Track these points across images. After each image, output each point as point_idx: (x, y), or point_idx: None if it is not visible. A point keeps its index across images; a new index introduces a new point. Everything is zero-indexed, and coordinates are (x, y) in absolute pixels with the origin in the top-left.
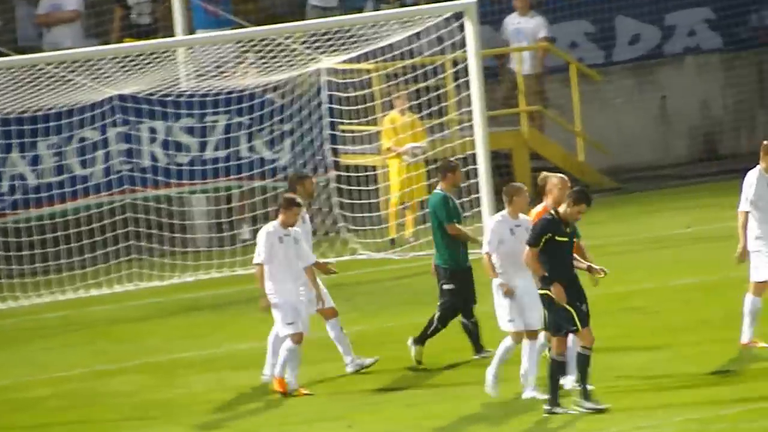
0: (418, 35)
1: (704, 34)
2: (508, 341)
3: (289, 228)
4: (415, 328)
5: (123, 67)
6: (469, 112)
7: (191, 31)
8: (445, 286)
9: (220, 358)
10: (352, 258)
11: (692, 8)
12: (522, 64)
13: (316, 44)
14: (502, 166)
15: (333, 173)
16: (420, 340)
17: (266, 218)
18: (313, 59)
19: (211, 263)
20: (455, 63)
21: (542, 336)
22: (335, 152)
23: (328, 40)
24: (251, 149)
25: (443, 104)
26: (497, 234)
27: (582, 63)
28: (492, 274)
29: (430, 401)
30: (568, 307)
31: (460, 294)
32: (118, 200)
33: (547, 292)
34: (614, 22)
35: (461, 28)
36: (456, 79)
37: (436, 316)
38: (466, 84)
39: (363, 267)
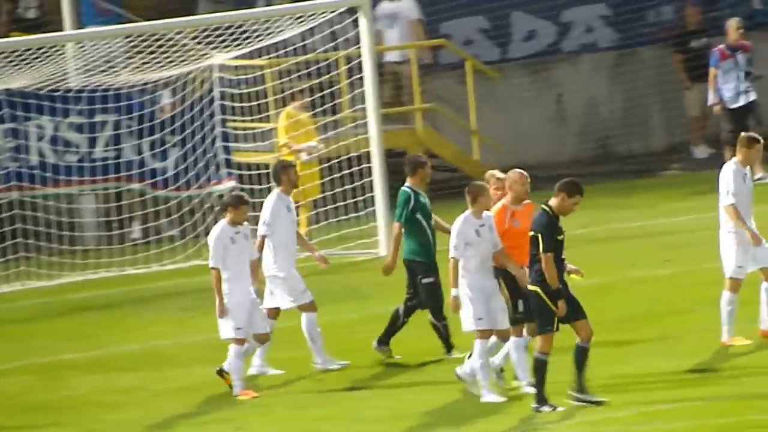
0: (311, 31)
1: (601, 31)
2: (479, 344)
3: (239, 226)
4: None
5: (11, 61)
6: (363, 110)
7: (80, 26)
8: (425, 281)
9: (108, 359)
10: None
11: (589, 5)
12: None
13: (208, 40)
14: (396, 166)
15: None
16: (448, 350)
17: (157, 216)
18: (204, 55)
19: (100, 263)
20: (349, 59)
21: (494, 337)
22: (228, 151)
23: (220, 35)
24: (140, 148)
25: (337, 101)
26: (463, 236)
27: (477, 60)
28: (453, 283)
29: (319, 404)
30: (552, 306)
31: (439, 288)
32: (5, 198)
33: (537, 290)
34: (510, 19)
35: (355, 23)
36: (350, 75)
37: (431, 319)
38: (361, 81)
39: None
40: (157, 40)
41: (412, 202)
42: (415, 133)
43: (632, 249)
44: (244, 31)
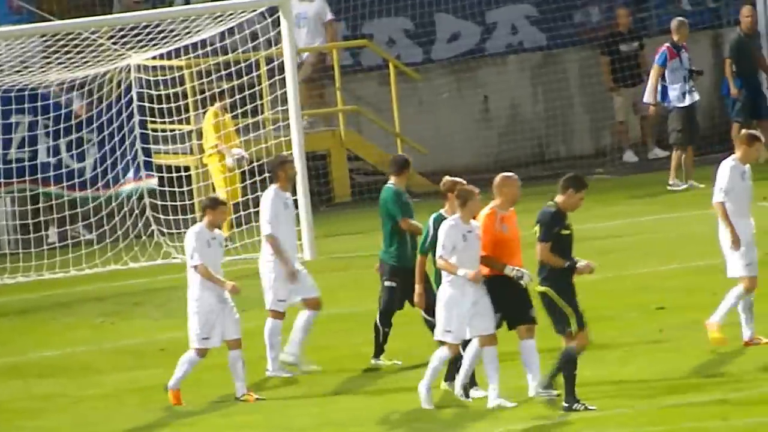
0: (231, 31)
1: (527, 31)
2: (443, 351)
3: (215, 230)
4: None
5: None
6: (285, 111)
7: None
8: (386, 283)
9: (26, 365)
10: (166, 262)
11: (514, 5)
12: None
13: (125, 40)
14: (318, 168)
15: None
16: (377, 354)
17: (72, 220)
18: (121, 55)
19: (17, 267)
20: (270, 60)
21: (475, 342)
22: (147, 152)
23: (137, 35)
24: (57, 149)
25: (258, 103)
26: (451, 240)
27: (400, 61)
28: (454, 268)
29: (245, 411)
30: (567, 310)
31: (399, 293)
32: None
33: (547, 290)
34: (433, 19)
35: (277, 23)
36: (271, 76)
37: (377, 320)
38: (282, 82)
39: (178, 271)
40: (73, 39)
41: (401, 198)
42: (338, 135)
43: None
44: (162, 31)
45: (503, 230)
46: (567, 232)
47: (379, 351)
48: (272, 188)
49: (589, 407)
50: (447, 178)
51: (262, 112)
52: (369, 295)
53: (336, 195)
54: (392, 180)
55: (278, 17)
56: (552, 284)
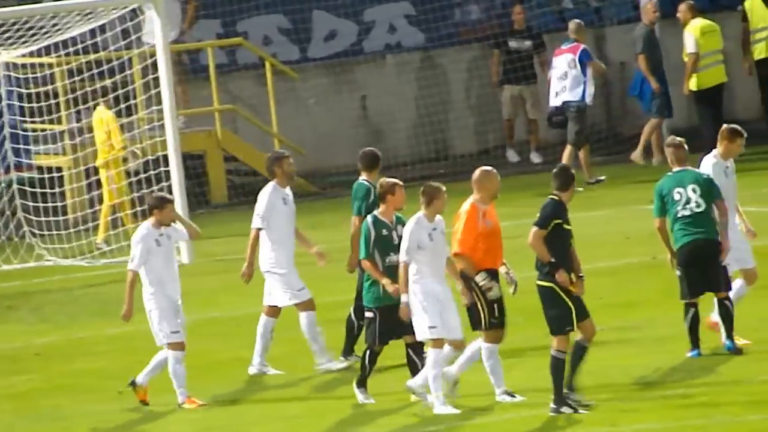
0: (103, 28)
1: (405, 30)
2: (432, 354)
3: (164, 227)
4: (108, 340)
5: None
6: (160, 111)
7: None
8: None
9: None
10: (39, 264)
11: (392, 3)
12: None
13: None
14: (194, 168)
15: (15, 174)
16: (348, 351)
17: None
18: None
19: None
20: (144, 58)
21: (447, 347)
22: (18, 152)
23: (5, 32)
24: None
25: (132, 102)
26: (416, 239)
27: (276, 59)
28: (403, 288)
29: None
30: (569, 304)
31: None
32: None
33: (546, 283)
34: (311, 18)
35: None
36: (145, 75)
37: (352, 314)
38: (156, 81)
39: (51, 274)
40: None
41: (372, 196)
42: (214, 135)
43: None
44: (31, 28)
45: (486, 224)
46: (569, 227)
47: (348, 350)
48: (271, 184)
49: (581, 409)
50: (384, 180)
51: (137, 112)
52: (247, 299)
53: (212, 196)
54: (364, 175)
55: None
56: (554, 279)
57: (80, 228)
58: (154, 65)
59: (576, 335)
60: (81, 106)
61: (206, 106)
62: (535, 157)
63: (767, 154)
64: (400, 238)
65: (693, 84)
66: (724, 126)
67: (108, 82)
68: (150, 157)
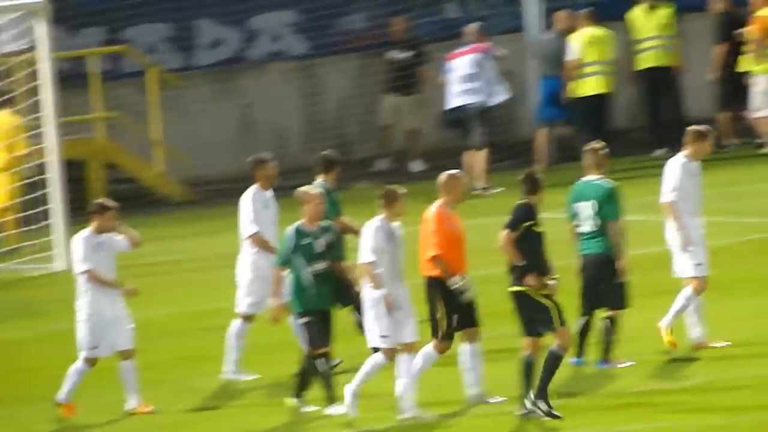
0: None
1: (289, 38)
2: (378, 357)
3: (103, 234)
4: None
5: None
6: (41, 118)
7: None
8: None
9: None
10: None
11: (277, 11)
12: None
13: None
14: (75, 176)
15: None
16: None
17: None
18: None
19: None
20: (27, 65)
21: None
22: None
23: None
24: None
25: (16, 108)
26: (377, 242)
27: (160, 67)
28: (378, 284)
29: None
30: (547, 303)
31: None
32: None
33: (521, 288)
34: (194, 25)
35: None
36: (28, 82)
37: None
38: (38, 87)
39: None
40: None
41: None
42: (96, 142)
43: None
44: None
45: (453, 228)
46: (539, 229)
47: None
48: (252, 188)
49: (555, 413)
50: (300, 190)
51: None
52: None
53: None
54: (321, 178)
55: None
56: (522, 278)
57: None
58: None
59: (550, 344)
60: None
61: (89, 113)
62: (417, 166)
63: (651, 162)
64: (326, 245)
65: (574, 91)
66: (692, 127)
67: None
68: (32, 164)
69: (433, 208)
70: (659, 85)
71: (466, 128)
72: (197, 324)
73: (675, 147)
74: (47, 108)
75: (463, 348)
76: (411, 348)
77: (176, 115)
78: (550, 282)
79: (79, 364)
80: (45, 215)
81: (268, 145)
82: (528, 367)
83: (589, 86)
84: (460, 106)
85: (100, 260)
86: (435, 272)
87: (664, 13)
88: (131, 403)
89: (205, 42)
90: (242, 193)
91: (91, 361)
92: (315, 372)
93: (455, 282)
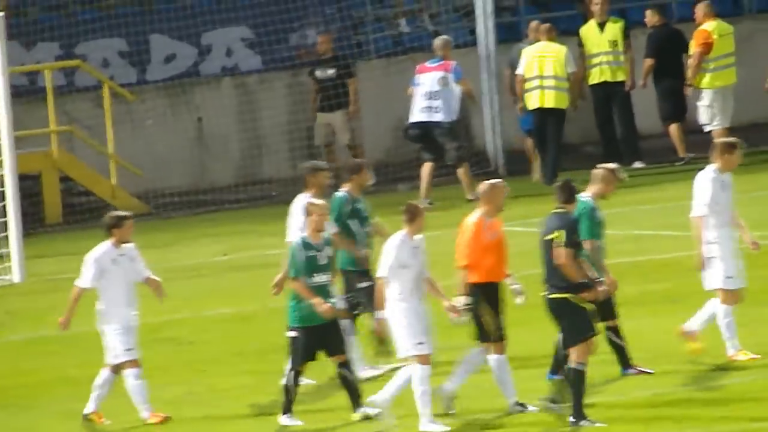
0: None
1: (242, 53)
2: (414, 368)
3: (123, 246)
4: None
5: None
6: None
7: None
8: (362, 284)
9: None
10: None
11: (229, 27)
12: None
13: None
14: (29, 189)
15: None
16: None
17: None
18: None
19: None
20: None
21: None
22: None
23: None
24: None
25: None
26: (400, 257)
27: (114, 82)
28: (379, 305)
29: None
30: (589, 308)
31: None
32: None
33: (569, 296)
34: (148, 41)
35: None
36: None
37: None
38: None
39: None
40: None
41: (348, 206)
42: (50, 155)
43: (274, 277)
44: None
45: (491, 237)
46: (579, 239)
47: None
48: (303, 195)
49: (597, 423)
50: (308, 201)
51: None
52: (78, 318)
53: (47, 216)
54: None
55: None
56: (573, 289)
57: None
58: None
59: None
60: None
61: (43, 127)
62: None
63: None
64: (328, 258)
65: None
66: (721, 140)
67: None
68: None
69: (472, 218)
70: (611, 99)
71: (429, 144)
72: (151, 336)
73: (626, 161)
74: (2, 122)
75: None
76: (426, 360)
77: (129, 129)
78: (600, 288)
79: (106, 373)
80: (2, 227)
81: (221, 158)
82: (580, 376)
83: (531, 100)
84: (422, 122)
85: (116, 272)
86: (476, 278)
87: (615, 28)
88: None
89: (159, 57)
90: (196, 204)
91: (132, 364)
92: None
93: (459, 303)
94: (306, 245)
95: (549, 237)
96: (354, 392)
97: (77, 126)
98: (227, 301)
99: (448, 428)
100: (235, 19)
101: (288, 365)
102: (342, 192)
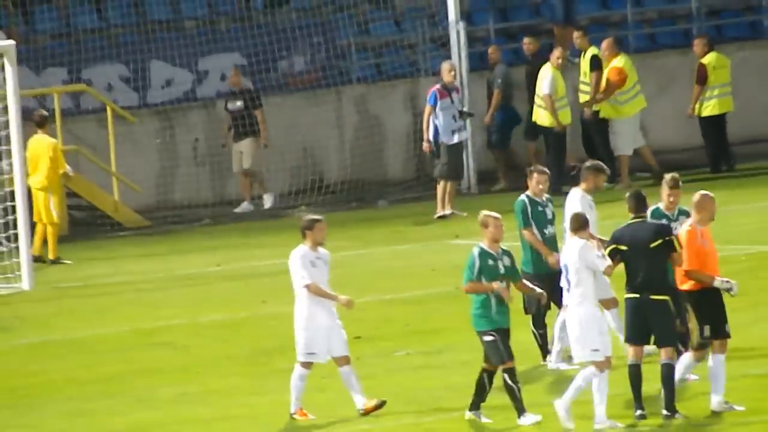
0: None
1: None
2: (590, 370)
3: (319, 248)
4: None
5: None
6: (8, 151)
7: None
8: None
9: None
10: None
11: (224, 54)
12: None
13: None
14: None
15: None
16: (543, 356)
17: None
18: None
19: None
20: None
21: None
22: None
23: None
24: None
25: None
26: (590, 261)
27: (117, 105)
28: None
29: None
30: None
31: (539, 298)
32: None
33: (664, 297)
34: (149, 66)
35: (1, 68)
36: None
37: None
38: (5, 123)
39: None
40: None
41: (529, 209)
42: None
43: (264, 286)
44: None
45: (703, 245)
46: None
47: (545, 353)
48: (575, 190)
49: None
50: (483, 213)
51: None
52: (81, 323)
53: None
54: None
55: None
56: (671, 292)
57: None
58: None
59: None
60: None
61: None
62: (268, 202)
63: None
64: (505, 268)
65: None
66: (590, 162)
67: None
68: None
69: (685, 226)
70: (592, 121)
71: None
72: (147, 340)
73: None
74: (13, 141)
75: (711, 357)
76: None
77: (131, 149)
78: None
79: (297, 370)
80: (14, 239)
81: (214, 176)
82: (672, 372)
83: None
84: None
85: (316, 274)
86: (686, 286)
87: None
88: (360, 402)
89: (158, 82)
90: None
91: (307, 365)
92: (506, 385)
93: (719, 283)
94: (483, 254)
95: (655, 244)
96: (515, 399)
97: (82, 145)
98: (220, 308)
99: (621, 425)
100: (229, 47)
101: (499, 369)
102: (522, 196)
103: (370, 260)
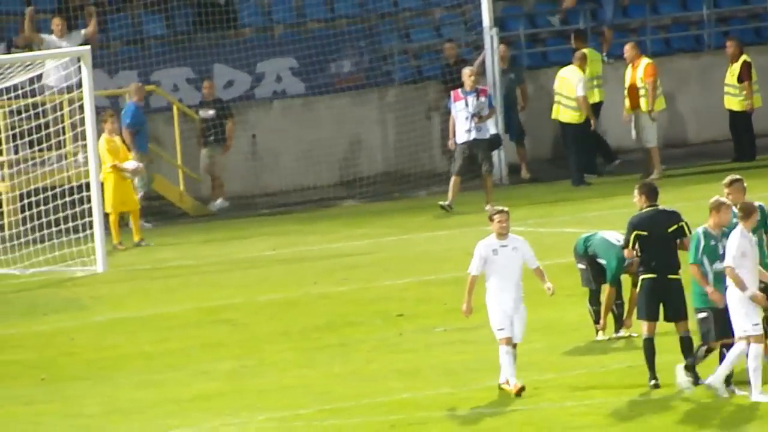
0: (39, 77)
1: (289, 80)
2: (742, 345)
3: (504, 239)
4: (35, 335)
5: None
6: (84, 146)
7: None
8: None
9: None
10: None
11: (279, 57)
12: None
13: None
14: None
15: None
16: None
17: None
18: None
19: None
20: (71, 101)
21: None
22: None
23: None
24: None
25: (61, 138)
26: (742, 247)
27: (183, 104)
28: (742, 286)
29: (43, 400)
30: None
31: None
32: None
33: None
34: (212, 69)
35: (79, 71)
36: (72, 116)
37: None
38: (82, 120)
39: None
40: None
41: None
42: None
43: (315, 268)
44: None
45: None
46: None
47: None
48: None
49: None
50: (714, 198)
51: (65, 146)
52: (151, 302)
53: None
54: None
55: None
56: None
57: (14, 242)
58: (81, 108)
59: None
60: (18, 141)
61: None
62: (218, 205)
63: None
64: (724, 248)
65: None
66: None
67: (42, 121)
68: (75, 184)
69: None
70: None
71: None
72: (210, 317)
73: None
74: (89, 138)
75: None
76: (757, 339)
77: (195, 144)
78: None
79: (501, 348)
80: (89, 226)
81: (269, 168)
82: (690, 343)
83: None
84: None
85: (497, 261)
86: None
87: (596, 57)
88: (511, 381)
89: (220, 83)
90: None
91: (506, 341)
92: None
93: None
94: (707, 235)
95: (672, 229)
96: (696, 376)
97: (152, 141)
98: (275, 289)
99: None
100: (284, 52)
101: (702, 345)
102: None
103: (411, 245)
